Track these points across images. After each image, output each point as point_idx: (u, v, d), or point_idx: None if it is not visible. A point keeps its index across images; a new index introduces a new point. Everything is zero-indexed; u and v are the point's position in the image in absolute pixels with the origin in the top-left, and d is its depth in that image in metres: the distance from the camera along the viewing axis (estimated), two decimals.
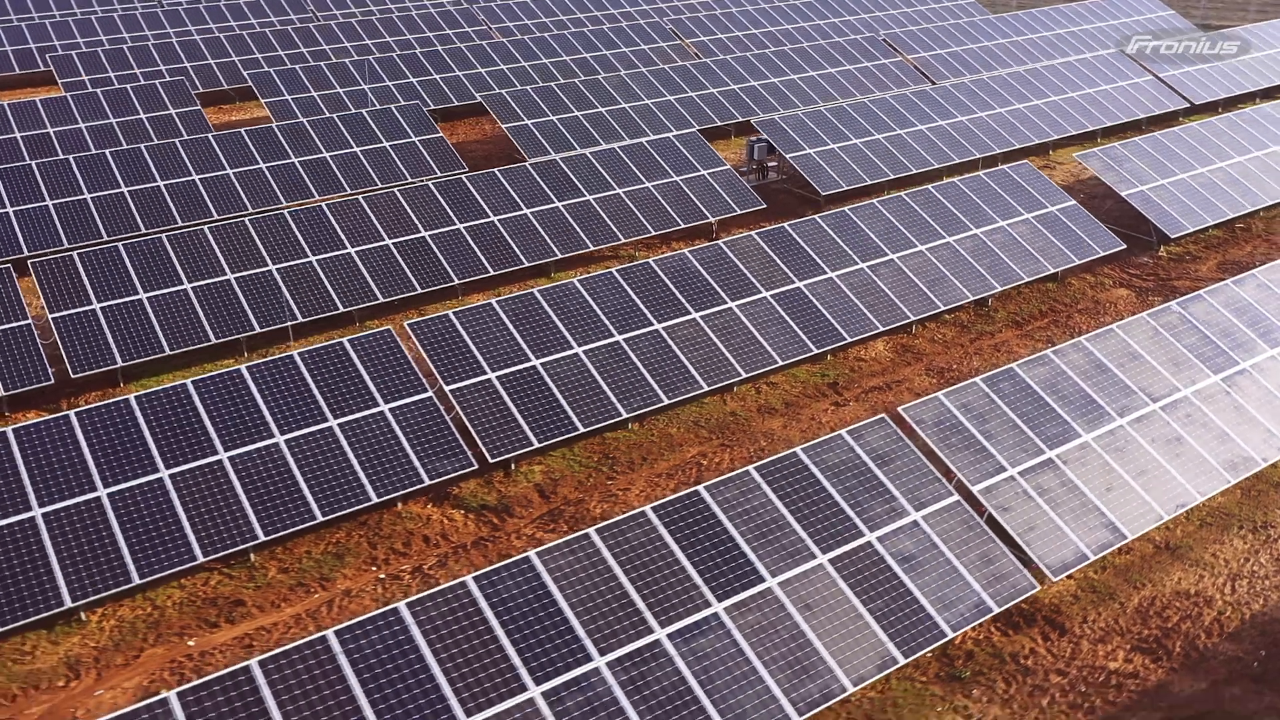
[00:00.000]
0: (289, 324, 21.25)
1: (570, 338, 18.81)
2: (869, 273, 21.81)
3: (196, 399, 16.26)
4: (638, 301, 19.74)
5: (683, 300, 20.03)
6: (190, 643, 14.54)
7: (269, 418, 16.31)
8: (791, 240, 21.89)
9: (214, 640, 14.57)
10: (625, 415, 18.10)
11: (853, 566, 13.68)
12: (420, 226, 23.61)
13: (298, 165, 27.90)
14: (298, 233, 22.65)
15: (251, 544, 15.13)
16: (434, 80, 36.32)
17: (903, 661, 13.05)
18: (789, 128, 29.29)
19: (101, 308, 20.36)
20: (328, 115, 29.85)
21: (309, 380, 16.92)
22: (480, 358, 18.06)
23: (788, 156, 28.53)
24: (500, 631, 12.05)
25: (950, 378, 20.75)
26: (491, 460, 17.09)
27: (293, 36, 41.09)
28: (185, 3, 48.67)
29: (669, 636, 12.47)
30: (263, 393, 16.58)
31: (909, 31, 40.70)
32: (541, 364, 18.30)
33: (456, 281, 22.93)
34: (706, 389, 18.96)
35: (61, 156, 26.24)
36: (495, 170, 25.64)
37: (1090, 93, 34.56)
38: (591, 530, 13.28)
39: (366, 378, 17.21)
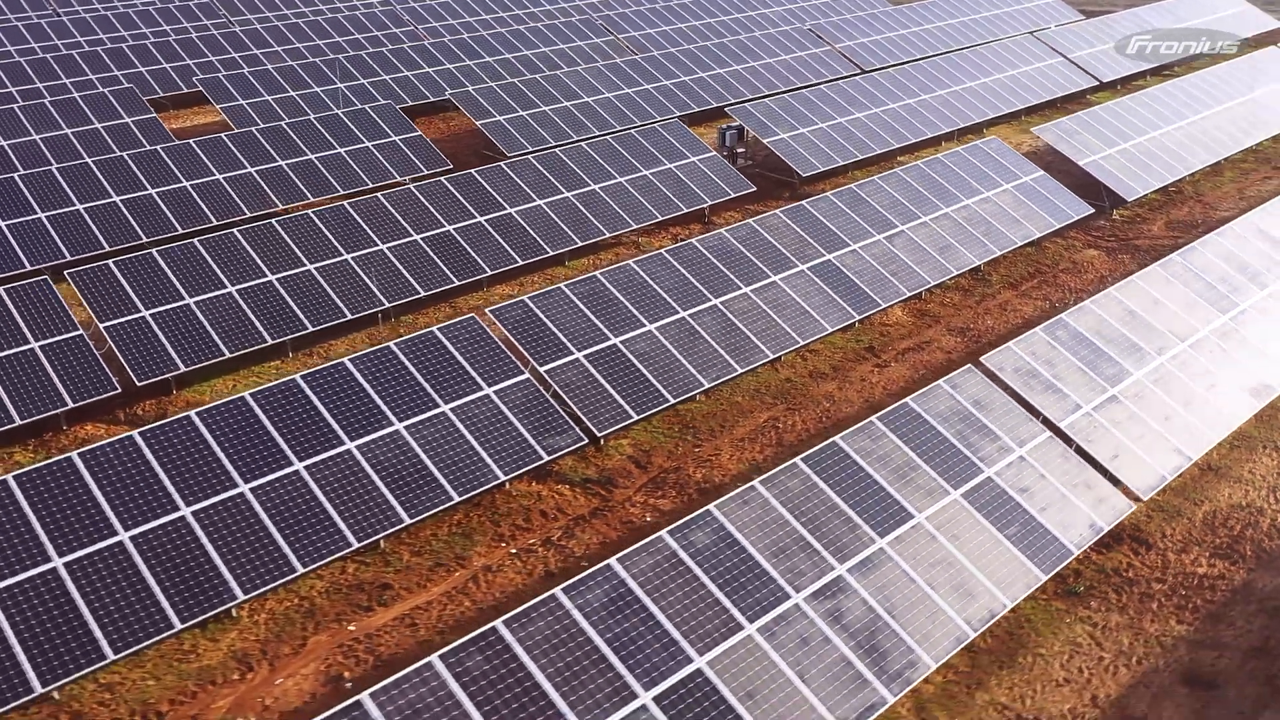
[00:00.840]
0: (337, 322, 21.40)
1: (640, 316, 19.64)
2: (886, 244, 23.32)
3: (310, 393, 16.45)
4: (692, 280, 20.70)
5: (732, 277, 21.10)
6: (351, 627, 14.84)
7: (383, 406, 16.63)
8: (813, 217, 23.22)
9: (374, 623, 14.91)
10: (706, 385, 19.07)
11: (982, 499, 15.04)
12: (443, 221, 23.96)
13: (285, 168, 27.70)
14: (327, 232, 22.72)
15: (397, 528, 15.49)
16: (384, 81, 36.27)
17: (1044, 578, 14.48)
18: (759, 114, 30.64)
19: (151, 314, 20.10)
20: (305, 117, 29.68)
21: (411, 369, 17.29)
22: (564, 339, 18.72)
23: (765, 141, 29.88)
24: (705, 578, 12.90)
25: (971, 336, 22.43)
26: (598, 434, 17.81)
27: (221, 42, 40.25)
28: (83, 11, 46.84)
29: (848, 571, 13.55)
30: (370, 383, 16.88)
31: (831, 21, 42.67)
32: (620, 342, 19.09)
33: (488, 272, 23.40)
34: (771, 357, 20.09)
35: (22, 171, 25.45)
36: (500, 164, 26.12)
37: (1014, 74, 37.12)
38: (756, 482, 14.25)
39: (465, 363, 17.67)
